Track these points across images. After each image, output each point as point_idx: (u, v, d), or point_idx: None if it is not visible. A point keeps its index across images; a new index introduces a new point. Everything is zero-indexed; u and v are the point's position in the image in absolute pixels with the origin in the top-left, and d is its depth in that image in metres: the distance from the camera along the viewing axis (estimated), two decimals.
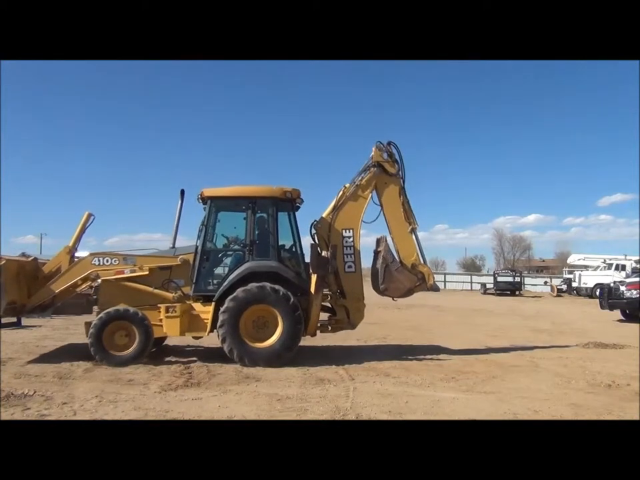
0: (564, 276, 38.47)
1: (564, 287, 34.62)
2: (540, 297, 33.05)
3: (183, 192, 8.01)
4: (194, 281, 7.38)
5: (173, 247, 7.94)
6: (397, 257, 7.97)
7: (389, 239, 8.09)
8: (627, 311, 14.95)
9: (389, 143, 8.05)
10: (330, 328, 7.91)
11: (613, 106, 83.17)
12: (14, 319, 12.10)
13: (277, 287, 7.05)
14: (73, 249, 7.84)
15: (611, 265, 30.43)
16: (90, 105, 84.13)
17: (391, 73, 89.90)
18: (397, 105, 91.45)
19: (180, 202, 8.01)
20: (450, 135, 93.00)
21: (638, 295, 14.14)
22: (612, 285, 15.92)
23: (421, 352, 8.45)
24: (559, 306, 23.78)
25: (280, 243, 7.66)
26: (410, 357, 7.82)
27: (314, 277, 7.25)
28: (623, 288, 14.87)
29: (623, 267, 29.20)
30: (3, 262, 7.10)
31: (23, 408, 4.84)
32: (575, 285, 32.62)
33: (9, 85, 63.01)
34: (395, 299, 8.27)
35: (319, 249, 7.46)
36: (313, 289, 7.24)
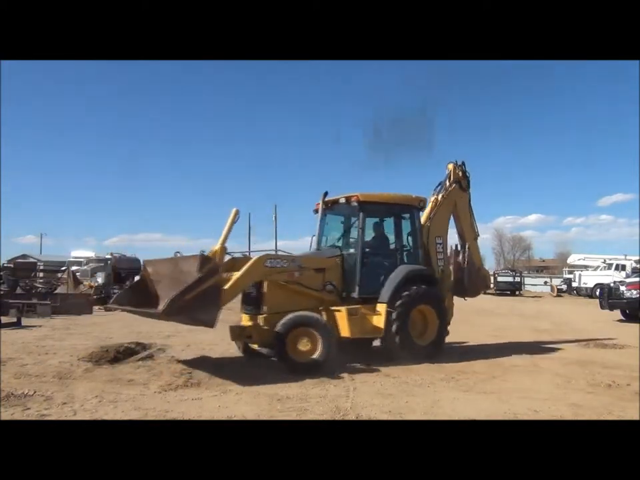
0: (564, 276, 38.51)
1: (564, 286, 34.66)
2: (540, 297, 33.02)
3: (326, 194, 8.15)
4: (358, 283, 7.53)
5: (318, 248, 8.07)
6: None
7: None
8: (627, 311, 14.94)
9: (462, 163, 9.18)
10: None
11: (613, 106, 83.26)
12: (14, 319, 12.15)
13: (437, 290, 8.04)
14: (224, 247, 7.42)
15: (611, 264, 30.46)
16: (90, 104, 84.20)
17: (390, 72, 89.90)
18: (395, 101, 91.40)
19: (322, 204, 8.12)
20: (449, 135, 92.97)
21: (638, 295, 14.14)
22: (612, 284, 15.91)
23: None
24: (559, 306, 23.78)
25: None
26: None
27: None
28: (623, 288, 14.87)
29: (623, 267, 29.22)
30: (213, 264, 6.30)
31: (22, 408, 4.83)
32: (575, 285, 32.65)
33: (9, 85, 63.02)
34: (466, 298, 9.24)
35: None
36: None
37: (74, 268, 24.99)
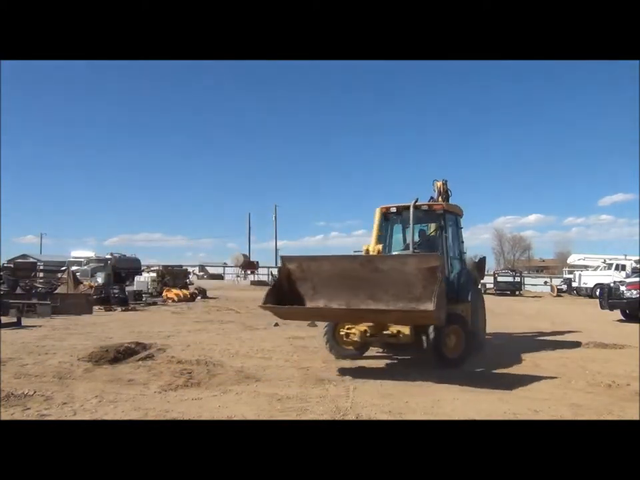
0: (564, 276, 38.49)
1: (564, 286, 34.65)
2: (540, 296, 33.00)
3: (416, 200, 8.41)
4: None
5: (412, 251, 8.31)
6: None
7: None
8: (627, 311, 14.92)
9: (446, 181, 10.04)
10: None
11: (613, 106, 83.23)
12: (14, 319, 12.13)
13: None
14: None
15: (611, 264, 30.46)
16: (89, 104, 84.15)
17: (391, 73, 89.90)
18: (395, 104, 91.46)
19: (412, 209, 8.31)
20: (449, 135, 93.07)
21: (638, 295, 14.12)
22: (612, 284, 15.90)
23: (421, 351, 8.45)
24: (559, 306, 23.78)
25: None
26: (410, 357, 7.82)
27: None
28: (623, 288, 14.85)
29: (623, 267, 29.22)
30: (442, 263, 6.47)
31: (22, 408, 4.84)
32: (574, 285, 32.65)
33: (9, 85, 62.98)
34: None
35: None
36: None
37: (74, 268, 25.03)
